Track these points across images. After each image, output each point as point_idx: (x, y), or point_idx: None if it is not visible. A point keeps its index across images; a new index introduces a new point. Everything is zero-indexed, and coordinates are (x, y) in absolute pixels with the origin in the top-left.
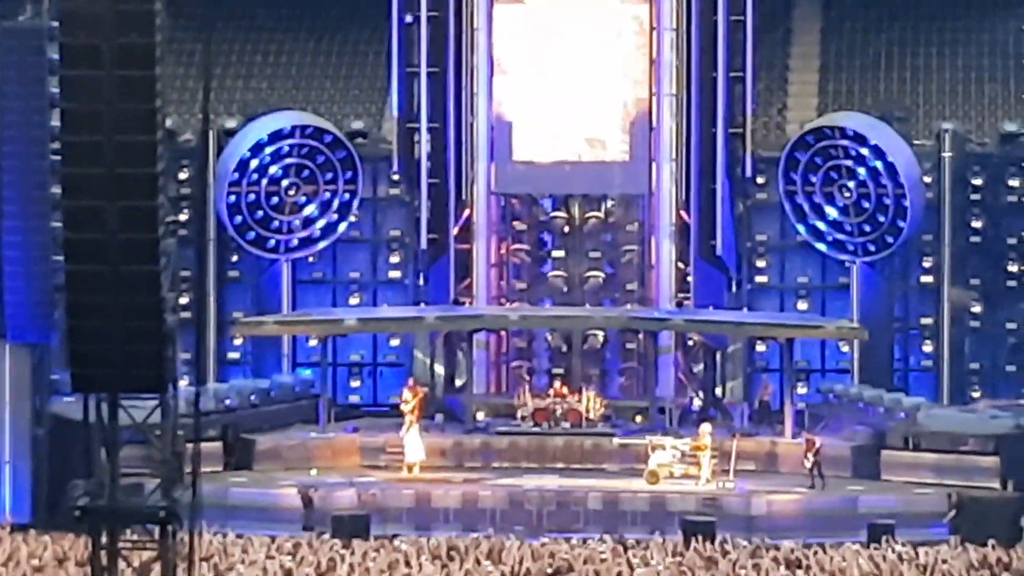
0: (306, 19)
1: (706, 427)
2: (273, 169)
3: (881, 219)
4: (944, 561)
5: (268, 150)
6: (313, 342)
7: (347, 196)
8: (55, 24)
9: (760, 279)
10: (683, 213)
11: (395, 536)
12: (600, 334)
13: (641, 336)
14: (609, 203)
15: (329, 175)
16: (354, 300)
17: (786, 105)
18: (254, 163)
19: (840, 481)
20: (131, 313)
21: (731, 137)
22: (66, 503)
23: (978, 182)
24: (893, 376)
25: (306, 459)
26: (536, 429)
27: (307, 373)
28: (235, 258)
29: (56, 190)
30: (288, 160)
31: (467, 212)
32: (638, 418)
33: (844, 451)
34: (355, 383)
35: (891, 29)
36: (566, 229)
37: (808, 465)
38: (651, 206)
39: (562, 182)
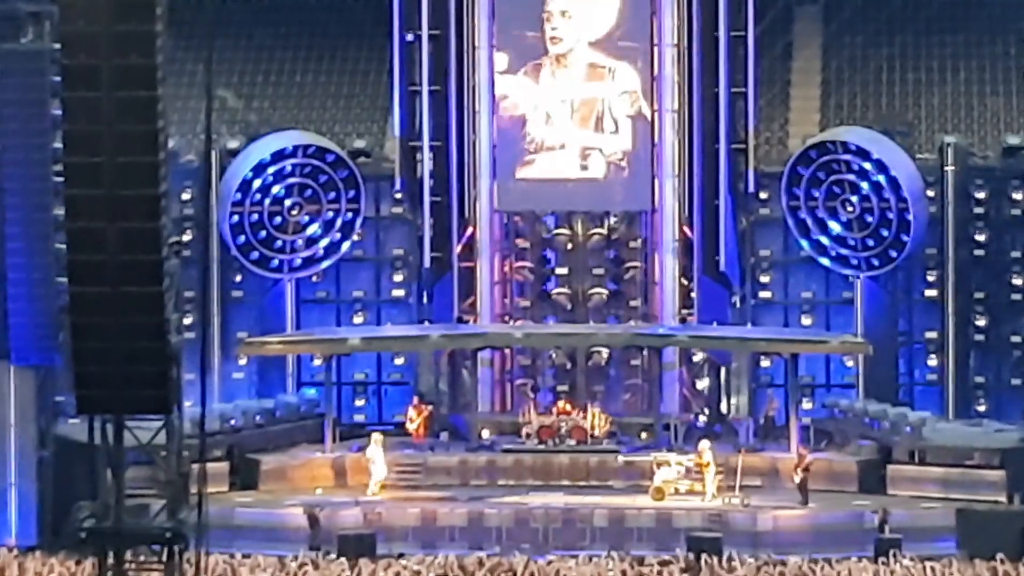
0: (307, 38)
1: (705, 444)
2: (276, 189)
3: (884, 233)
4: (952, 575)
5: (271, 170)
6: (317, 361)
7: (350, 215)
8: (56, 47)
9: (764, 294)
10: (686, 229)
11: (401, 555)
12: (604, 351)
13: (645, 353)
14: (612, 220)
15: (332, 194)
16: (358, 319)
17: (788, 120)
18: (257, 183)
19: (846, 496)
20: (135, 334)
21: (733, 152)
22: (72, 525)
23: (981, 195)
24: (898, 390)
25: (311, 478)
26: (541, 447)
27: (311, 392)
28: (239, 278)
29: (59, 212)
30: (291, 180)
31: (470, 230)
32: (643, 435)
33: (850, 466)
34: (360, 402)
35: (892, 43)
36: (569, 246)
37: (797, 480)
38: (654, 222)
39: (565, 199)
